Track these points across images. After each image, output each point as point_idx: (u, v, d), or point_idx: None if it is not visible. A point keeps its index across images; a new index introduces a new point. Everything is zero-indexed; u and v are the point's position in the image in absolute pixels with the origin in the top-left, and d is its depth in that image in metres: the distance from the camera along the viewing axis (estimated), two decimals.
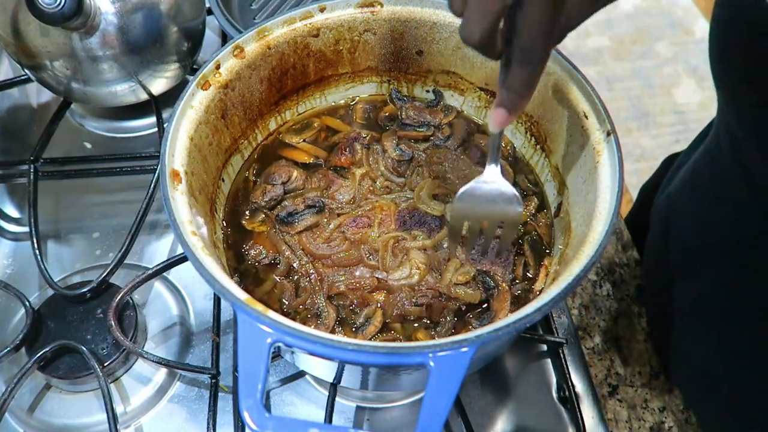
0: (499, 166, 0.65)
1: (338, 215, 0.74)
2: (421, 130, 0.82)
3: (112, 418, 0.70)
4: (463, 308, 0.68)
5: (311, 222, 0.73)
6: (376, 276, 0.69)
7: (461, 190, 0.66)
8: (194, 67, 0.98)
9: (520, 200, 0.65)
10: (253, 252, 0.71)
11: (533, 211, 0.75)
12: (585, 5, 0.51)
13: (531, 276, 0.71)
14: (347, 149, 0.79)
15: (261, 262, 0.71)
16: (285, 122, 0.83)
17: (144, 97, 0.95)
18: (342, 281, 0.69)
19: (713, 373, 0.76)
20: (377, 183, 0.77)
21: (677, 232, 0.82)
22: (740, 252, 0.71)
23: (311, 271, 0.70)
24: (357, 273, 0.70)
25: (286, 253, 0.71)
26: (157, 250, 0.88)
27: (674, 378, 0.81)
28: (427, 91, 0.86)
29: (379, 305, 0.68)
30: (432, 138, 0.82)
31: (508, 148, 0.81)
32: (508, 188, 0.65)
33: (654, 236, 0.89)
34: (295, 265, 0.70)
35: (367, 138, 0.81)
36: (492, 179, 0.65)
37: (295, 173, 0.77)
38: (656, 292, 0.85)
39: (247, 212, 0.75)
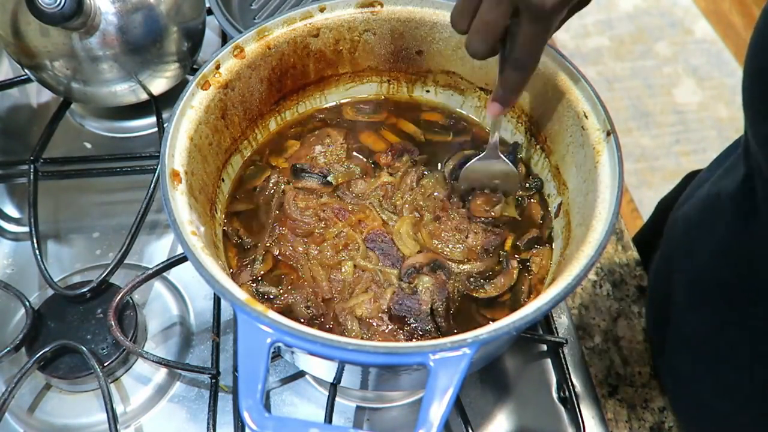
0: (495, 143, 0.73)
1: (338, 197, 0.75)
2: (485, 224, 0.74)
3: (112, 418, 0.70)
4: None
5: (309, 185, 0.75)
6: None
7: (467, 165, 0.74)
8: (194, 67, 0.98)
9: (514, 168, 0.75)
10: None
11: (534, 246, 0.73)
12: (566, 16, 0.59)
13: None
14: (395, 153, 0.78)
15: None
16: (284, 121, 0.83)
17: (144, 97, 0.95)
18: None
19: (717, 408, 0.74)
20: (394, 200, 0.74)
21: (690, 260, 0.77)
22: (760, 290, 0.67)
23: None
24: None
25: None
26: (157, 250, 0.88)
27: (675, 408, 0.79)
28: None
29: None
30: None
31: (509, 148, 0.81)
32: (506, 163, 0.74)
33: (663, 260, 0.85)
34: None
35: (422, 158, 0.78)
36: (491, 155, 0.74)
37: (341, 139, 0.80)
38: (660, 320, 0.82)
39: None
